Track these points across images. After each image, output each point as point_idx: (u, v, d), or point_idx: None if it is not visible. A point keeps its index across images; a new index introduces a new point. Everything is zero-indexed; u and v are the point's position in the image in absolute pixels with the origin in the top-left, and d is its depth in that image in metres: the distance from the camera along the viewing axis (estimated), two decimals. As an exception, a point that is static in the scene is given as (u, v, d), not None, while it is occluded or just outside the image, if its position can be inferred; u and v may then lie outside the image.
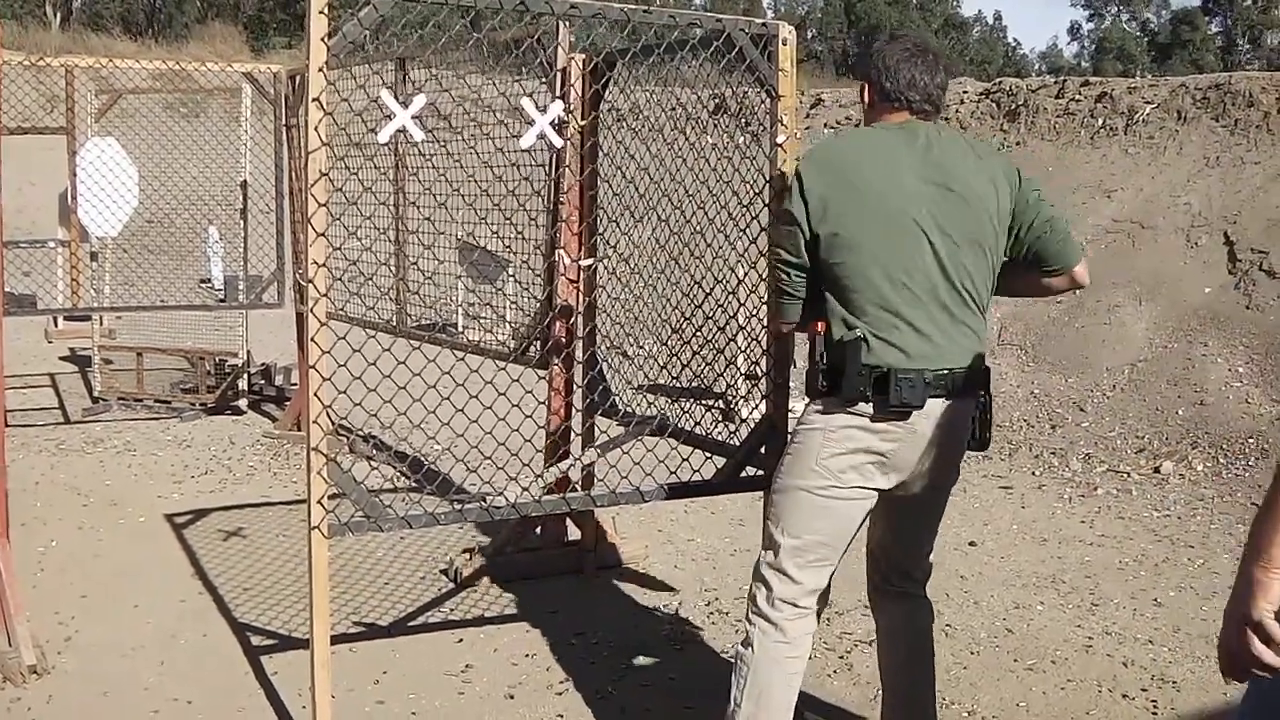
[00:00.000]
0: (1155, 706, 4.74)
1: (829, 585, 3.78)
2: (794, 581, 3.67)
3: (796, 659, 3.71)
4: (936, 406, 3.54)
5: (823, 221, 3.53)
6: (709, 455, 4.70)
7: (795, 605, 3.68)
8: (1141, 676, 5.00)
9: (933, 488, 3.72)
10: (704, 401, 5.14)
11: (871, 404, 3.50)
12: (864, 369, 3.48)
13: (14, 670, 4.69)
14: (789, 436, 3.88)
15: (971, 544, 6.68)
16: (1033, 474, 8.31)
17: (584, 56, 5.13)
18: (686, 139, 4.97)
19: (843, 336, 3.53)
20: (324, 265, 3.80)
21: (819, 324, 3.60)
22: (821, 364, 3.57)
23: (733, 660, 3.78)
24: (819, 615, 3.78)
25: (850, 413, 3.54)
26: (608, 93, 5.20)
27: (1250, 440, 8.00)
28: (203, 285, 14.39)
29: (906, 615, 3.96)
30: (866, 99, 3.77)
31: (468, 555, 5.91)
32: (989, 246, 3.60)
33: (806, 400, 3.69)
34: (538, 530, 6.00)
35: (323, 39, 3.68)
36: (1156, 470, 8.07)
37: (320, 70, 3.70)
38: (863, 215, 3.51)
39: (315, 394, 3.79)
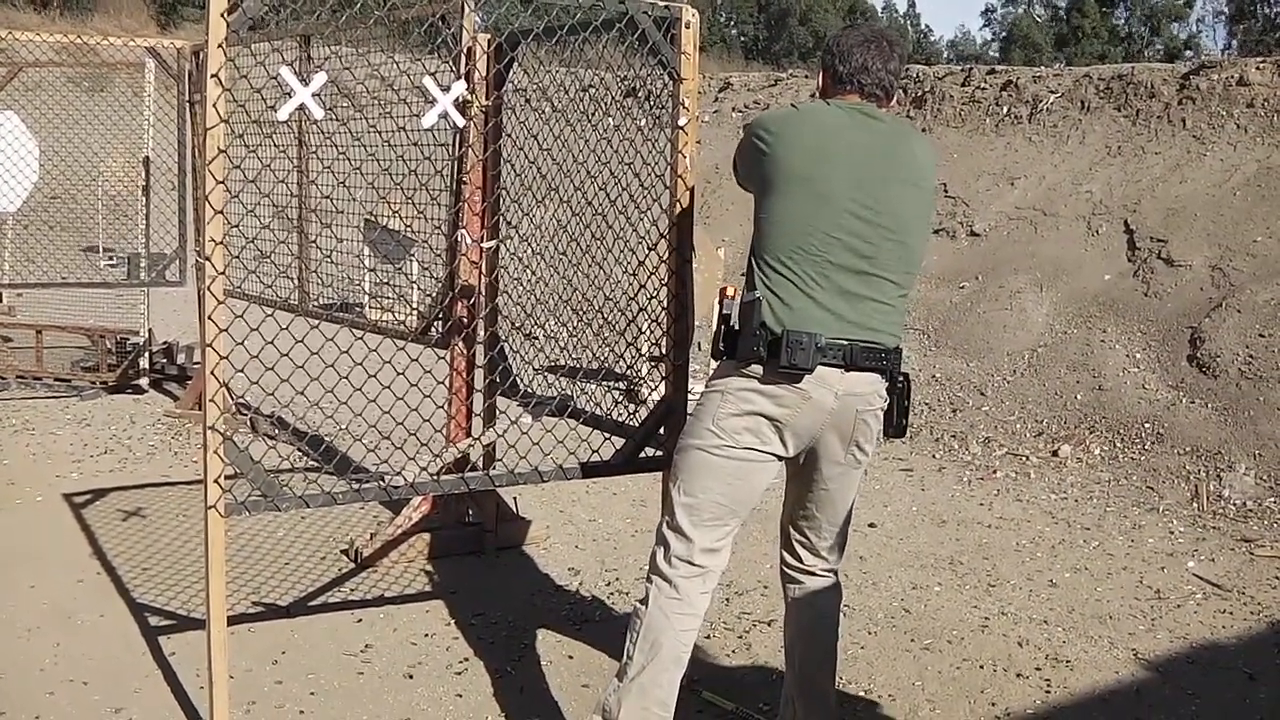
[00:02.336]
0: (1049, 685, 4.82)
1: (727, 552, 3.82)
2: (688, 539, 3.72)
3: (688, 616, 3.75)
4: (832, 376, 3.57)
5: (787, 152, 3.63)
6: (608, 436, 4.72)
7: (690, 563, 3.73)
8: (1036, 656, 5.10)
9: (835, 463, 3.75)
10: (605, 383, 5.16)
11: (764, 365, 3.56)
12: (759, 329, 3.54)
13: (-98, 651, 4.63)
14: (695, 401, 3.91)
15: (871, 525, 6.76)
16: (933, 457, 8.43)
17: (488, 36, 5.12)
18: (589, 120, 4.97)
19: (745, 298, 3.60)
20: (221, 243, 3.77)
21: (728, 289, 3.64)
22: (724, 326, 3.65)
23: (630, 617, 3.82)
24: (715, 576, 3.81)
25: (745, 374, 3.60)
26: (511, 73, 5.19)
27: (1146, 425, 8.16)
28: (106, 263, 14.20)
29: (810, 595, 3.98)
30: (821, 84, 3.86)
31: (369, 535, 5.89)
32: (913, 230, 3.69)
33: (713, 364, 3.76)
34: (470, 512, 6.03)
35: (222, 14, 3.65)
36: (1054, 454, 8.21)
37: (220, 46, 3.67)
38: (792, 172, 3.60)
39: (212, 372, 3.76)
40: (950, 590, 5.83)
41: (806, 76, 17.12)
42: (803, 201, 3.58)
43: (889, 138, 3.68)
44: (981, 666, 4.98)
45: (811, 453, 3.73)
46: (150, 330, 10.12)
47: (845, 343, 3.57)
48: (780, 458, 3.71)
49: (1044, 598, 5.78)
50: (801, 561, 3.97)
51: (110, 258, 14.42)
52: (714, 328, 3.76)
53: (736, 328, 3.62)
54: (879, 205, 3.59)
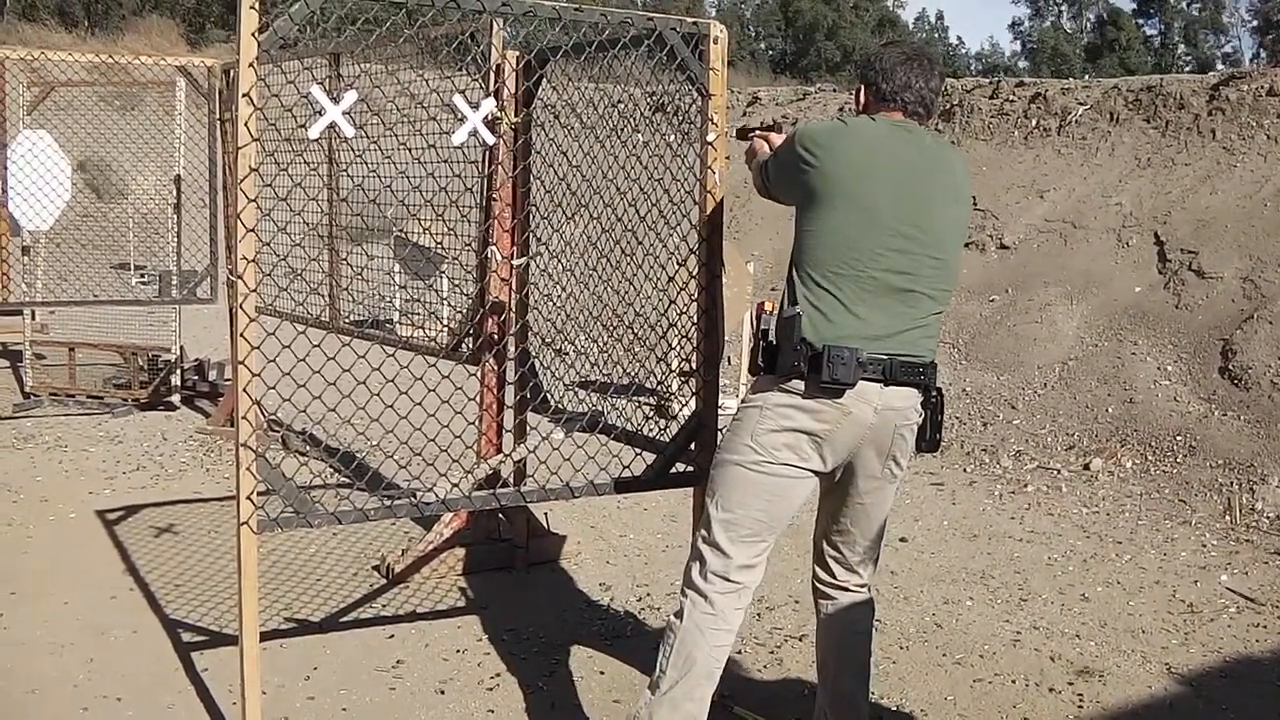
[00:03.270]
0: (1081, 700, 4.80)
1: (762, 569, 3.82)
2: (725, 555, 3.72)
3: (723, 632, 3.75)
4: (871, 391, 3.58)
5: (835, 167, 3.63)
6: (639, 452, 4.72)
7: (726, 579, 3.73)
8: (1068, 670, 5.07)
9: (872, 478, 3.76)
10: (635, 398, 5.16)
11: (805, 381, 3.56)
12: (800, 344, 3.56)
13: (-61, 668, 4.67)
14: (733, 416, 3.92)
15: (902, 540, 6.74)
16: (964, 470, 8.40)
17: (516, 53, 5.14)
18: (618, 136, 4.98)
19: (785, 313, 3.62)
20: (253, 261, 3.79)
21: (765, 304, 3.66)
22: (763, 341, 3.67)
23: (664, 631, 3.82)
24: (749, 593, 3.81)
25: (785, 390, 3.61)
26: (540, 90, 5.21)
27: (1178, 438, 8.11)
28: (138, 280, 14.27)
29: (843, 610, 3.98)
30: (863, 101, 3.87)
31: (400, 551, 5.91)
32: (952, 249, 3.72)
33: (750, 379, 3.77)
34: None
35: (253, 34, 3.67)
36: (1086, 467, 8.17)
37: (251, 65, 3.70)
38: (841, 188, 3.61)
39: (244, 390, 3.78)
40: (982, 605, 5.81)
41: (835, 90, 17.13)
42: (849, 217, 3.59)
43: (932, 156, 3.71)
44: (1014, 681, 4.95)
45: (848, 468, 3.73)
46: (182, 347, 10.17)
47: (885, 357, 3.58)
48: (818, 473, 3.72)
49: (1076, 612, 5.75)
50: (835, 576, 3.97)
51: (141, 275, 14.49)
52: (749, 343, 3.78)
53: (775, 343, 3.64)
54: (923, 224, 3.62)
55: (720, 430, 4.29)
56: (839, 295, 3.58)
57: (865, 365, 3.55)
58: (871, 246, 3.57)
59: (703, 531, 3.80)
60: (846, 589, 3.97)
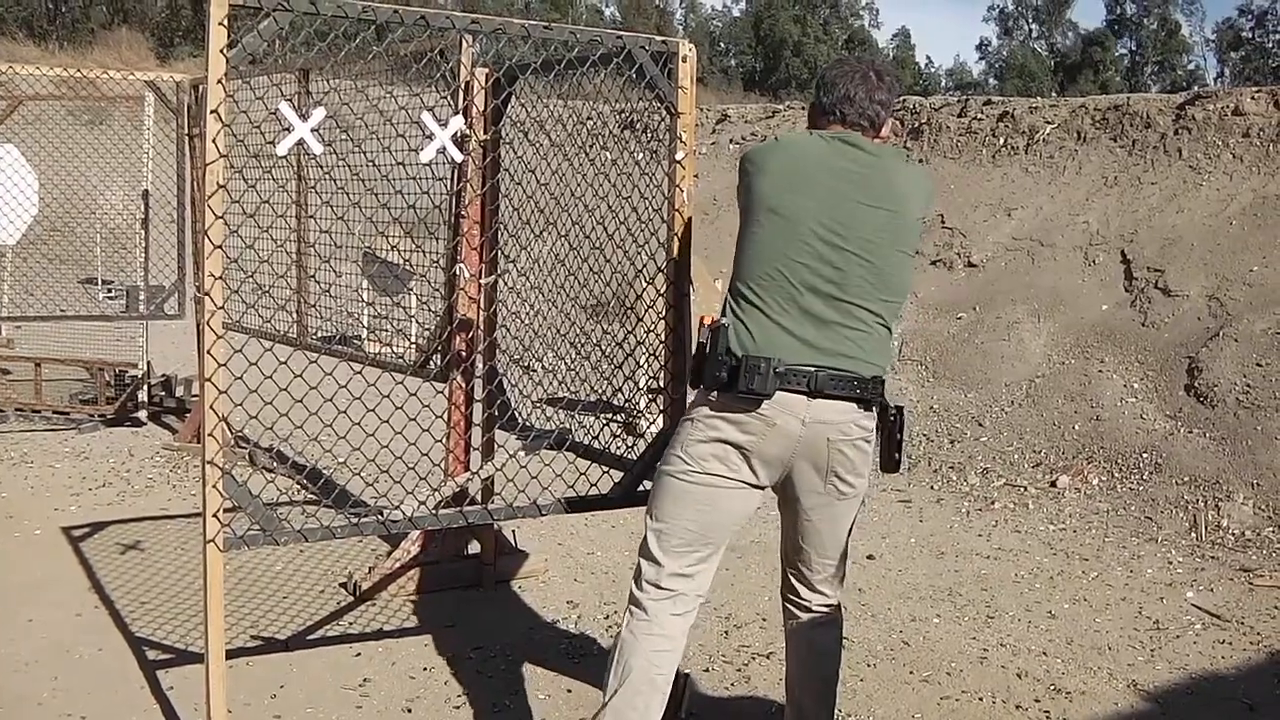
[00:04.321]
0: (1048, 717, 4.82)
1: (704, 578, 3.81)
2: (657, 563, 3.75)
3: (659, 638, 3.73)
4: (795, 402, 3.56)
5: (762, 181, 3.68)
6: (607, 470, 4.72)
7: (658, 586, 3.74)
8: (1035, 688, 5.09)
9: (814, 494, 3.73)
10: (603, 415, 5.16)
11: (726, 392, 3.59)
12: (724, 355, 3.58)
13: (-100, 686, 4.63)
14: None
15: (870, 557, 6.76)
16: (931, 488, 8.42)
17: (485, 71, 5.14)
18: (586, 155, 4.99)
19: (715, 325, 3.64)
20: (220, 278, 3.78)
21: (705, 318, 3.70)
22: (697, 355, 3.71)
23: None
24: (689, 600, 3.79)
25: (710, 402, 3.65)
26: (509, 107, 5.21)
27: (1144, 455, 8.15)
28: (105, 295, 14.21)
29: (807, 628, 3.98)
30: (809, 114, 3.94)
31: (368, 569, 5.89)
32: (882, 253, 3.64)
33: None
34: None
35: (221, 50, 3.67)
36: (1053, 484, 8.21)
37: (219, 82, 3.69)
38: (764, 201, 3.65)
39: (211, 407, 3.77)
40: (949, 622, 5.83)
41: (803, 108, 17.17)
42: (771, 228, 3.62)
43: (868, 164, 3.67)
44: (981, 698, 4.97)
45: (789, 483, 3.72)
46: (149, 363, 10.13)
47: (811, 368, 3.56)
48: (756, 486, 3.71)
49: (1043, 629, 5.77)
50: (799, 595, 3.96)
51: (109, 290, 14.44)
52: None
53: (702, 355, 3.66)
54: (844, 229, 3.59)
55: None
56: (764, 307, 3.59)
57: (784, 376, 3.54)
58: (793, 255, 3.58)
59: (641, 544, 3.83)
60: (810, 608, 3.96)
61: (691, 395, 3.89)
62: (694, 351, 3.75)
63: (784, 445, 3.62)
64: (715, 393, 3.62)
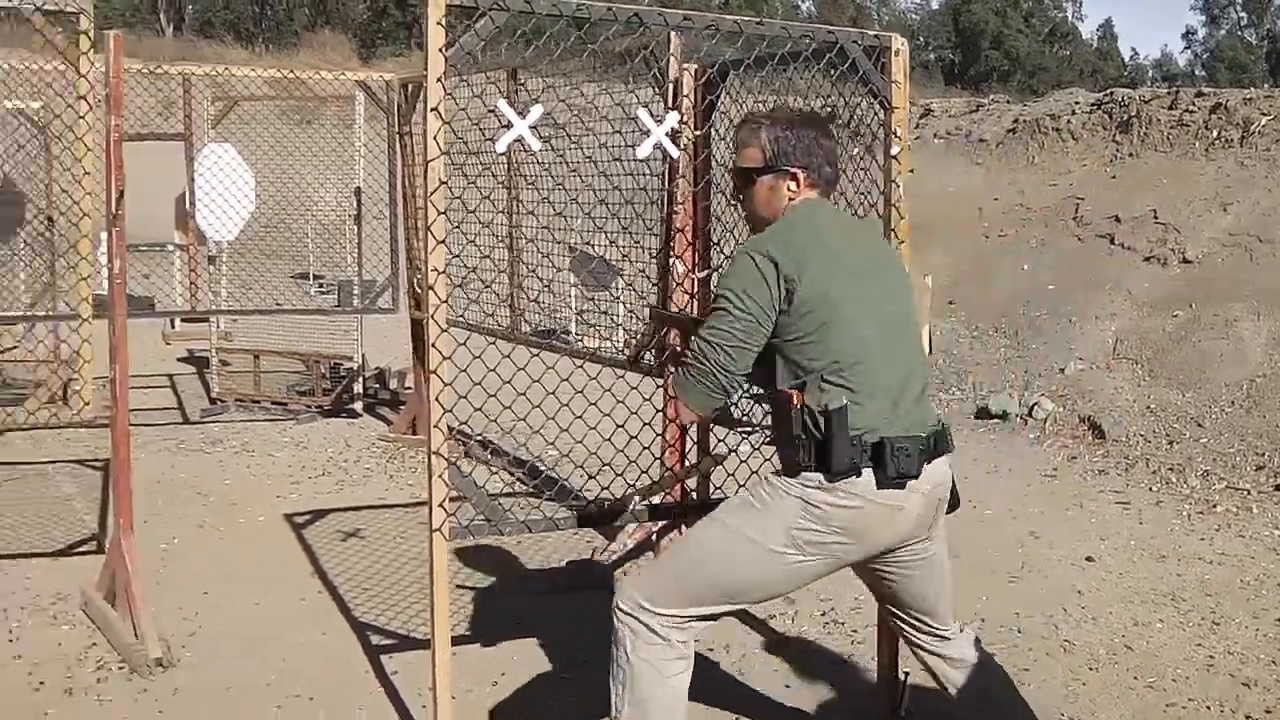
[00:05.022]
0: (1278, 728, 4.67)
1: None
2: (686, 607, 3.51)
3: (680, 660, 3.57)
4: (927, 472, 3.41)
5: (801, 281, 3.34)
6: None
7: (679, 628, 3.54)
8: (1265, 698, 4.91)
9: (924, 542, 3.55)
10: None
11: (870, 477, 3.32)
12: (855, 441, 3.29)
13: (141, 663, 4.82)
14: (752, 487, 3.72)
15: (1089, 559, 6.59)
16: (1150, 489, 8.18)
17: (697, 67, 5.15)
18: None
19: (827, 404, 3.31)
20: (443, 272, 3.84)
21: (794, 395, 3.38)
22: (802, 437, 3.35)
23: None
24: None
25: (827, 486, 3.32)
26: (721, 103, 5.22)
27: (1374, 458, 7.84)
28: (317, 290, 14.62)
29: (958, 650, 3.85)
30: (793, 184, 3.59)
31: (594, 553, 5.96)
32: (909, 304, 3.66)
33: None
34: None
35: (440, 50, 3.73)
36: (1277, 488, 7.91)
37: (438, 80, 3.75)
38: (838, 275, 3.40)
39: (436, 399, 3.83)
40: (1173, 627, 5.66)
41: (1009, 102, 16.88)
42: (829, 314, 3.35)
43: (863, 230, 3.81)
44: (1208, 707, 4.81)
45: (893, 549, 3.52)
46: (364, 355, 10.39)
47: (923, 435, 3.41)
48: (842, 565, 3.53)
49: (1272, 636, 5.57)
50: (932, 629, 3.80)
51: (320, 285, 14.85)
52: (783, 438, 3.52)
53: (817, 437, 3.32)
54: (889, 296, 3.53)
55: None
56: (861, 386, 3.33)
57: (924, 451, 3.37)
58: (862, 332, 3.38)
59: (672, 573, 3.59)
60: (946, 636, 3.82)
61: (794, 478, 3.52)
62: (797, 430, 3.35)
63: (910, 528, 3.44)
64: (849, 478, 3.30)
